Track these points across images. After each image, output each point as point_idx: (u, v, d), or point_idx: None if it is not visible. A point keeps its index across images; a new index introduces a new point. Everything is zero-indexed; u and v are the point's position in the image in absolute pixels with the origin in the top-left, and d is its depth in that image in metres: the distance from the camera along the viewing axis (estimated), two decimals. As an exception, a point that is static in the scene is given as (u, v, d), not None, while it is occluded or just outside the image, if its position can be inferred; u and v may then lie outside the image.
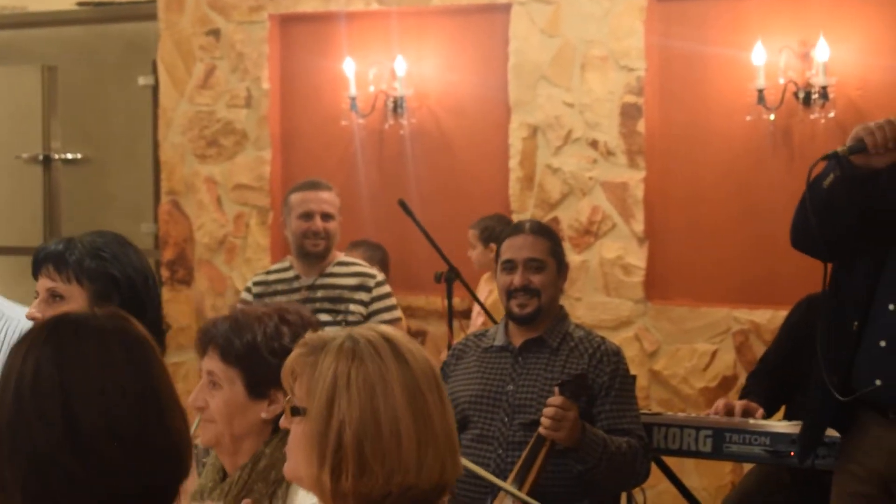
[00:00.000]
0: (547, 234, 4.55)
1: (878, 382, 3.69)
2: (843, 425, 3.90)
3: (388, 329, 2.41)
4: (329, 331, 2.45)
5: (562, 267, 4.51)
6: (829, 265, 3.91)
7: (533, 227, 4.56)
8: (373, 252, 6.84)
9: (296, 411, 2.36)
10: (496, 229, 6.48)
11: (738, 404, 4.71)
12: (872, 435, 3.80)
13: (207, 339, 2.96)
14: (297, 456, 2.36)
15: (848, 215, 3.75)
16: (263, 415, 2.91)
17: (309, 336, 2.43)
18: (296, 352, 2.39)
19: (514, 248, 4.47)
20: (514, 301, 4.44)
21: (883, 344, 3.71)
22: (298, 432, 2.35)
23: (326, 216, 5.80)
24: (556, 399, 4.10)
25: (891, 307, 3.72)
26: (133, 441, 2.05)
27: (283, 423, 2.42)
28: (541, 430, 4.11)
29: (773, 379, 4.92)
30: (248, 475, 2.87)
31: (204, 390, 2.94)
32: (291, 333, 2.89)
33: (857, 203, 3.75)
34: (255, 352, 2.91)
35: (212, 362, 2.92)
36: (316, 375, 2.33)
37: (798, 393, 4.86)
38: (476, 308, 6.43)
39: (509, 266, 4.45)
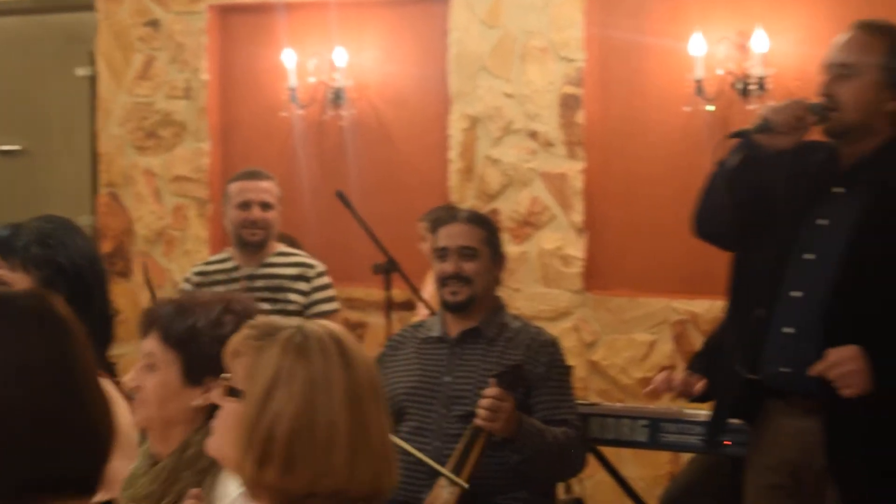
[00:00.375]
0: (482, 223, 4.53)
1: (785, 369, 3.71)
2: (752, 416, 3.92)
3: (338, 329, 2.39)
4: (281, 319, 2.42)
5: (497, 257, 4.50)
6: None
7: (467, 215, 4.56)
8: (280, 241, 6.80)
9: (233, 392, 2.34)
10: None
11: (678, 378, 4.72)
12: (780, 423, 3.81)
13: (151, 321, 2.94)
14: (225, 435, 2.35)
15: (751, 198, 3.79)
16: (195, 402, 2.89)
17: (260, 319, 2.41)
18: (243, 332, 2.37)
19: (447, 235, 4.47)
20: (446, 289, 4.43)
21: (788, 331, 3.73)
22: (230, 412, 2.34)
23: (265, 206, 5.77)
24: (492, 390, 4.10)
25: (795, 294, 3.73)
26: (47, 423, 2.01)
27: (215, 397, 2.41)
28: (477, 421, 4.10)
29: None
30: (176, 462, 2.85)
31: (141, 371, 2.92)
32: (234, 323, 2.86)
33: (762, 186, 3.79)
34: (195, 337, 2.89)
35: (152, 343, 2.91)
36: (260, 361, 2.30)
37: None
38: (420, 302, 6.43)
39: (442, 254, 4.45)
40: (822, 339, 3.63)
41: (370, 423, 2.30)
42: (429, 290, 6.29)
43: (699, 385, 4.64)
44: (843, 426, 3.63)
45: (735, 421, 4.01)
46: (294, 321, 2.38)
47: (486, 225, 4.54)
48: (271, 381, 2.27)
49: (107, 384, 2.65)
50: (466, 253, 4.42)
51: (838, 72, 3.73)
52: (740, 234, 3.86)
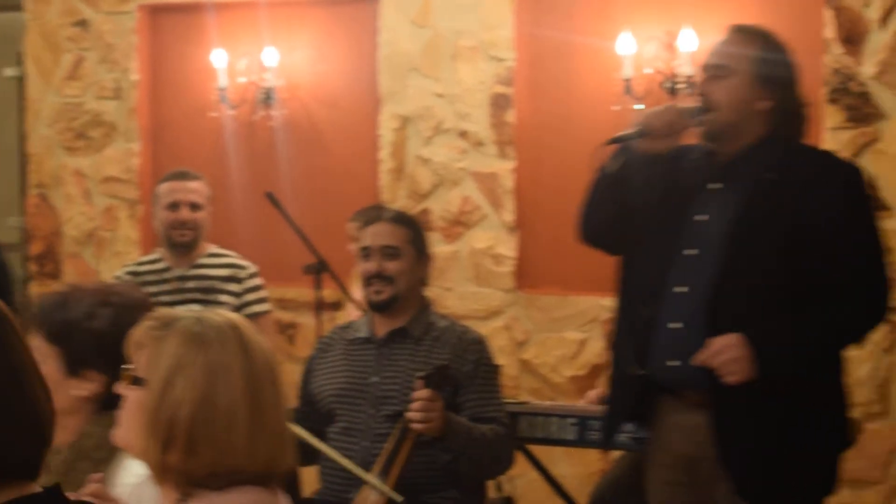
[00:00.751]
0: (406, 222, 4.54)
1: (672, 363, 3.77)
2: (645, 416, 3.96)
3: (236, 317, 2.48)
4: (178, 310, 2.51)
5: (422, 256, 4.50)
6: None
7: (392, 215, 4.57)
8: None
9: (136, 381, 2.42)
10: None
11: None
12: (672, 419, 3.88)
13: (32, 316, 3.00)
14: (130, 423, 2.44)
15: (633, 204, 3.87)
16: (76, 392, 2.94)
17: (160, 311, 2.50)
18: (145, 324, 2.45)
19: (370, 235, 4.48)
20: (370, 288, 4.45)
21: (674, 326, 3.79)
22: (134, 401, 2.42)
23: (194, 206, 5.75)
24: (422, 392, 4.10)
25: (679, 289, 3.80)
26: None
27: (119, 387, 2.47)
28: (408, 423, 4.11)
29: None
30: (74, 453, 2.90)
31: None
32: (112, 315, 2.93)
33: (640, 190, 3.86)
34: (70, 330, 2.95)
35: (34, 339, 2.94)
36: (160, 350, 2.40)
37: None
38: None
39: (366, 253, 4.47)
40: (706, 332, 3.70)
41: (267, 406, 2.41)
42: (358, 290, 6.28)
43: None
44: (730, 417, 3.71)
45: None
46: (192, 311, 2.48)
47: (410, 225, 4.55)
48: (172, 369, 2.37)
49: None
50: (389, 252, 4.43)
51: (713, 73, 3.84)
52: (623, 238, 3.93)
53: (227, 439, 2.36)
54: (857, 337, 3.92)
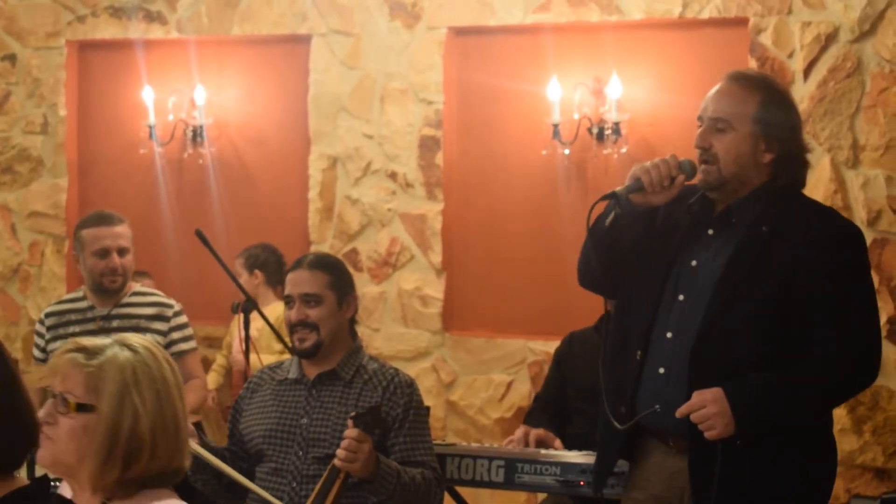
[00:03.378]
0: (326, 267, 4.50)
1: (658, 408, 3.77)
2: (630, 454, 3.99)
3: (146, 340, 2.73)
4: (94, 338, 2.70)
5: (344, 299, 4.49)
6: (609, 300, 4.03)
7: (311, 261, 4.51)
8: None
9: (82, 407, 2.60)
10: (260, 257, 6.57)
11: (534, 432, 4.79)
12: (654, 461, 3.89)
13: None
14: (71, 447, 2.61)
15: (628, 253, 3.86)
16: None
17: (76, 341, 2.69)
18: (67, 355, 2.64)
19: (291, 283, 4.48)
20: (295, 336, 4.45)
21: (662, 370, 3.79)
22: (77, 427, 2.60)
23: (122, 251, 5.71)
24: (351, 431, 4.10)
25: (668, 335, 3.80)
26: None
27: (45, 417, 2.64)
28: (336, 461, 4.11)
29: (548, 413, 5.04)
30: None
31: None
32: None
33: (637, 239, 3.86)
34: None
35: None
36: (102, 376, 2.61)
37: (568, 425, 4.98)
38: (237, 339, 6.36)
39: (288, 301, 4.47)
40: (688, 380, 3.70)
41: (178, 411, 2.70)
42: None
43: (556, 444, 4.74)
44: (707, 467, 3.68)
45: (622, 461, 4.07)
46: (110, 338, 2.70)
47: (330, 269, 4.50)
48: (122, 390, 2.61)
49: None
50: (309, 299, 4.43)
51: (713, 125, 3.78)
52: (617, 285, 3.92)
53: (176, 441, 2.67)
54: (843, 396, 3.91)
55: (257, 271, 6.65)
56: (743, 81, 3.83)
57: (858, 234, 3.83)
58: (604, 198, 3.81)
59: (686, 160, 3.78)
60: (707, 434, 3.63)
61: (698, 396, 3.63)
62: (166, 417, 2.64)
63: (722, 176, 3.77)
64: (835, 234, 3.76)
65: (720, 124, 3.76)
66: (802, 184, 3.91)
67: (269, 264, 6.96)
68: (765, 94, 3.80)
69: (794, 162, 3.83)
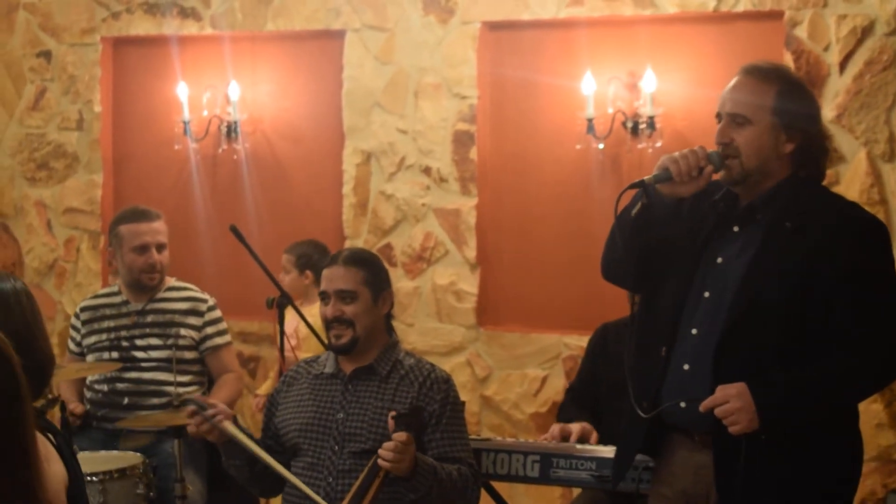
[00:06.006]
0: (362, 263, 4.50)
1: (682, 404, 3.77)
2: (655, 450, 3.98)
3: None
4: None
5: (380, 295, 4.49)
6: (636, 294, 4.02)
7: (346, 257, 4.51)
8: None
9: None
10: (312, 258, 6.49)
11: (574, 428, 4.79)
12: (680, 456, 3.89)
13: None
14: None
15: (654, 246, 3.85)
16: None
17: None
18: None
19: (327, 279, 4.48)
20: (331, 332, 4.45)
21: (686, 367, 3.79)
22: None
23: (160, 247, 5.75)
24: (400, 435, 4.08)
25: (693, 331, 3.80)
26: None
27: None
28: (381, 462, 4.10)
29: (580, 405, 5.04)
30: None
31: None
32: None
33: (663, 232, 3.85)
34: None
35: None
36: None
37: (600, 418, 4.97)
38: (288, 333, 6.38)
39: (324, 297, 4.47)
40: (712, 376, 3.69)
41: None
42: (292, 325, 6.23)
43: (593, 438, 4.73)
44: (732, 462, 3.68)
45: (643, 457, 4.06)
46: None
47: (365, 265, 4.51)
48: None
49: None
50: (345, 296, 4.43)
51: (732, 120, 3.76)
52: (642, 278, 3.91)
53: None
54: (868, 392, 3.87)
55: (308, 272, 6.57)
56: (758, 74, 3.81)
57: (882, 228, 3.81)
58: (632, 186, 3.80)
59: (714, 151, 3.76)
60: (731, 429, 3.62)
61: (722, 391, 3.64)
62: None
63: (744, 169, 3.76)
64: (858, 228, 3.75)
65: (739, 118, 3.76)
66: (824, 174, 3.89)
67: (320, 265, 6.91)
68: (782, 85, 3.79)
69: (816, 151, 3.83)
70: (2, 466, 2.38)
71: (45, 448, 2.93)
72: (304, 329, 5.99)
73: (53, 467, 3.00)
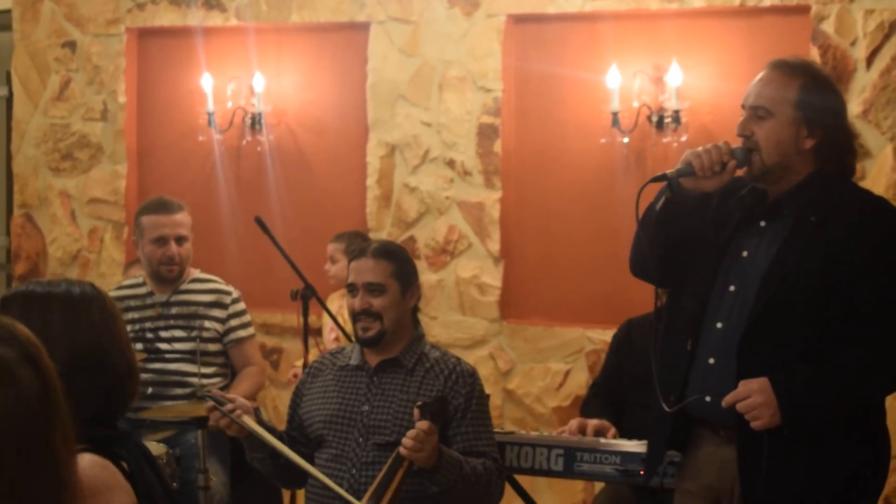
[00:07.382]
0: (390, 255, 4.50)
1: (707, 399, 3.77)
2: (682, 444, 3.98)
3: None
4: None
5: (408, 288, 4.49)
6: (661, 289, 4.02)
7: (375, 249, 4.50)
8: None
9: None
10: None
11: (591, 423, 4.78)
12: (706, 451, 3.88)
13: None
14: None
15: (679, 241, 3.84)
16: None
17: None
18: None
19: (355, 271, 4.47)
20: (358, 324, 4.44)
21: (712, 361, 3.78)
22: None
23: (180, 239, 5.75)
24: (423, 423, 4.08)
25: (718, 325, 3.79)
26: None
27: None
28: (402, 450, 4.10)
29: (604, 401, 5.03)
30: None
31: None
32: None
33: (688, 227, 3.84)
34: None
35: None
36: None
37: (623, 413, 4.96)
38: (329, 324, 6.41)
39: (352, 289, 4.46)
40: (736, 371, 3.69)
41: None
42: (335, 310, 6.26)
43: (611, 433, 4.72)
44: (755, 457, 3.67)
45: (672, 452, 4.06)
46: None
47: (394, 258, 4.50)
48: None
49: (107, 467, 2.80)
50: (373, 288, 4.42)
51: (755, 112, 3.75)
52: (667, 272, 3.90)
53: None
54: (888, 390, 3.83)
55: None
56: (785, 68, 3.79)
57: None
58: (654, 179, 3.78)
59: (739, 147, 3.75)
60: (753, 424, 3.62)
61: (744, 386, 3.63)
62: None
63: (764, 164, 3.75)
64: (883, 223, 3.73)
65: (760, 111, 3.74)
66: (852, 171, 3.88)
67: None
68: (806, 80, 3.76)
69: (839, 148, 3.80)
70: (28, 467, 2.23)
71: (108, 474, 2.79)
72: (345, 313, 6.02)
73: (117, 497, 2.78)
